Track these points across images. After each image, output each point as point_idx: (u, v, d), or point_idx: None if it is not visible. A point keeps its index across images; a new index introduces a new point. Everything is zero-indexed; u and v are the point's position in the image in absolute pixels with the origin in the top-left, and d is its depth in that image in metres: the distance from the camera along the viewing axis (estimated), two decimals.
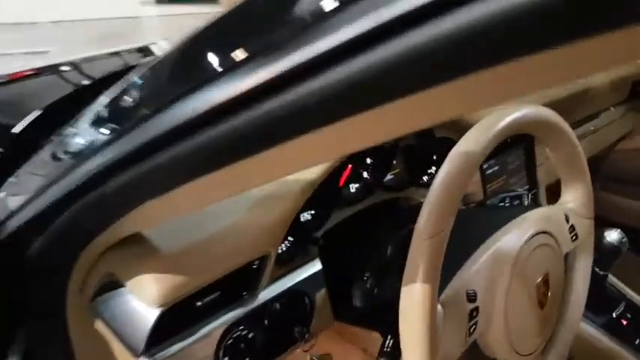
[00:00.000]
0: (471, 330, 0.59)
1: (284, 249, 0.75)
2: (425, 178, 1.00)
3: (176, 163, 0.39)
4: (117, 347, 0.61)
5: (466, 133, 0.60)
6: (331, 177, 0.75)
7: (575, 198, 0.78)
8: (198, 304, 0.63)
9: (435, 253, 0.53)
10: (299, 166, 0.45)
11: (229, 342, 0.65)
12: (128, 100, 0.47)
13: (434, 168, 1.00)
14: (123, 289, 0.61)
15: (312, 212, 0.80)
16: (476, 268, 0.61)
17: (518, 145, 1.17)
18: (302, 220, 0.78)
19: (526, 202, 0.95)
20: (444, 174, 0.56)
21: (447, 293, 0.58)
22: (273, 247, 0.66)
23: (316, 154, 0.39)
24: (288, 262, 0.75)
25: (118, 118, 0.47)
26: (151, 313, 0.58)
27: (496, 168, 1.11)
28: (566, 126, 0.72)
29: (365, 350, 1.11)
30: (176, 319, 0.60)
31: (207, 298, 0.64)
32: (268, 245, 0.66)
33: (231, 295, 0.67)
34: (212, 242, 0.62)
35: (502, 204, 1.00)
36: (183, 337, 0.62)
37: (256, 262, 0.66)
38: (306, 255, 0.78)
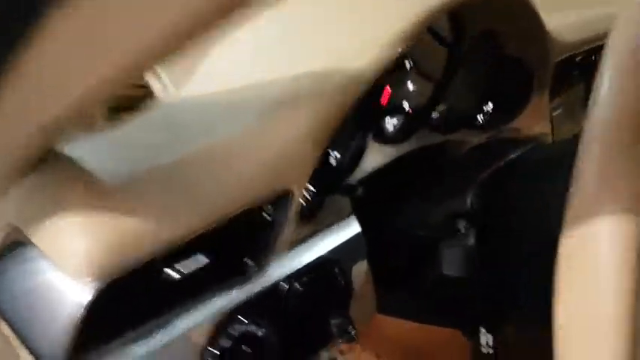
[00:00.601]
0: None
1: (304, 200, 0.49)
2: (480, 117, 0.77)
3: None
4: (22, 354, 0.35)
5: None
6: (365, 97, 0.49)
7: None
8: (170, 277, 0.36)
9: None
10: None
11: (224, 345, 0.38)
12: None
13: (490, 105, 0.77)
14: (30, 250, 0.34)
15: (338, 151, 0.55)
16: None
17: (578, 82, 0.97)
18: (330, 160, 0.53)
19: None
20: (624, 32, 0.31)
21: None
22: (298, 183, 0.39)
23: None
24: (310, 220, 0.49)
25: None
26: (80, 294, 0.31)
27: (560, 111, 0.93)
28: None
29: (379, 356, 0.91)
30: (127, 305, 0.35)
31: (186, 270, 0.37)
32: (292, 178, 0.39)
33: (227, 264, 0.40)
34: (192, 168, 0.35)
35: None
36: (141, 337, 0.36)
37: (269, 209, 0.39)
38: (335, 211, 0.53)
